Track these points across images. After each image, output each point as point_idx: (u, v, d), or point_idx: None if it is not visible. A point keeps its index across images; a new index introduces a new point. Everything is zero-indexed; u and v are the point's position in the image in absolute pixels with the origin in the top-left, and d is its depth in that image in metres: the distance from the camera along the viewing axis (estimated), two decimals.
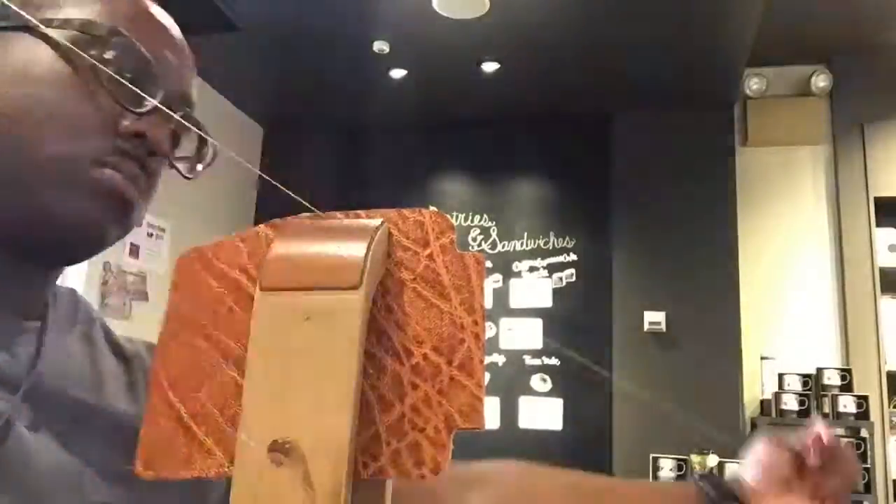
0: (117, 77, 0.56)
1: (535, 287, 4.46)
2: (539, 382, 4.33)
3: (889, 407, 3.86)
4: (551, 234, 4.49)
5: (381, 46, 3.76)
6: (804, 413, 3.67)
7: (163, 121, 0.59)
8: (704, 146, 4.26)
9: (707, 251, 4.13)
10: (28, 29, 0.56)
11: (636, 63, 3.85)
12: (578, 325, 4.34)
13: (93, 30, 0.57)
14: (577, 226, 4.47)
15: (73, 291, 0.68)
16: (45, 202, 0.55)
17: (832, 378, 3.70)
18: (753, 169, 4.30)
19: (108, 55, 0.57)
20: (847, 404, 3.61)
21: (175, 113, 0.59)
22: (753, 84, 4.32)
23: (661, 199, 4.25)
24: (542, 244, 4.50)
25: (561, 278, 4.43)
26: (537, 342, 4.37)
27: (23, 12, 0.55)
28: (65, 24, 0.57)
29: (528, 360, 4.37)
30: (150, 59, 0.59)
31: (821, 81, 4.25)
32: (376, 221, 0.40)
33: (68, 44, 0.56)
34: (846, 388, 3.67)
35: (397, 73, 4.06)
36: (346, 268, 0.37)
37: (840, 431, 3.73)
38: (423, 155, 4.65)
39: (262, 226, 0.41)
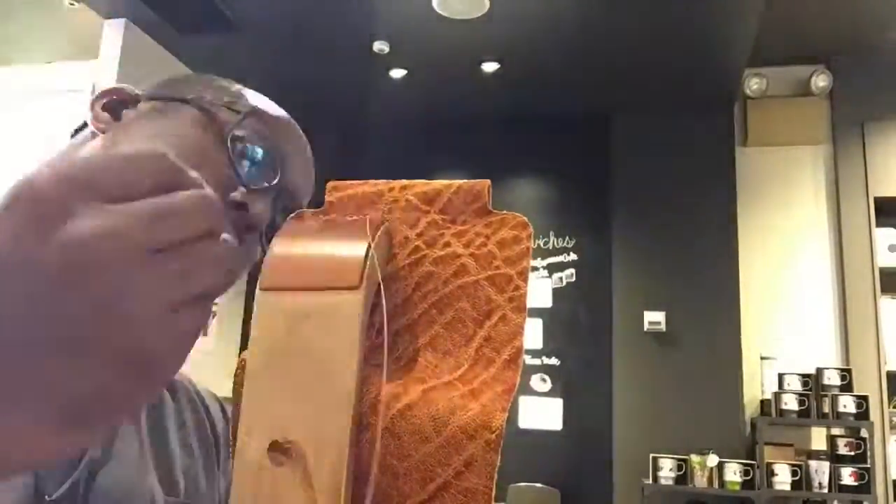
0: (233, 152, 0.62)
1: (535, 287, 4.45)
2: (539, 382, 4.33)
3: (889, 407, 3.85)
4: (551, 234, 4.49)
5: (381, 46, 3.76)
6: (804, 413, 3.66)
7: (267, 205, 0.63)
8: (704, 146, 4.26)
9: (707, 251, 4.12)
10: (185, 101, 0.64)
11: (636, 63, 3.85)
12: (578, 325, 4.33)
13: (237, 105, 0.64)
14: (577, 226, 4.46)
15: None
16: None
17: (832, 378, 3.70)
18: (753, 169, 4.29)
19: (240, 131, 0.63)
20: (847, 404, 3.60)
21: (281, 202, 0.64)
22: (753, 84, 4.31)
23: (660, 199, 4.25)
24: (542, 244, 4.49)
25: (561, 278, 4.43)
26: (537, 342, 4.37)
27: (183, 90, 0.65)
28: (215, 98, 0.65)
29: (528, 360, 4.37)
30: (276, 147, 0.65)
31: (821, 81, 4.24)
32: (376, 222, 0.40)
33: (210, 109, 0.63)
34: (846, 388, 3.66)
35: (397, 73, 4.06)
36: (346, 268, 0.36)
37: (840, 431, 3.73)
38: (423, 155, 4.64)
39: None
